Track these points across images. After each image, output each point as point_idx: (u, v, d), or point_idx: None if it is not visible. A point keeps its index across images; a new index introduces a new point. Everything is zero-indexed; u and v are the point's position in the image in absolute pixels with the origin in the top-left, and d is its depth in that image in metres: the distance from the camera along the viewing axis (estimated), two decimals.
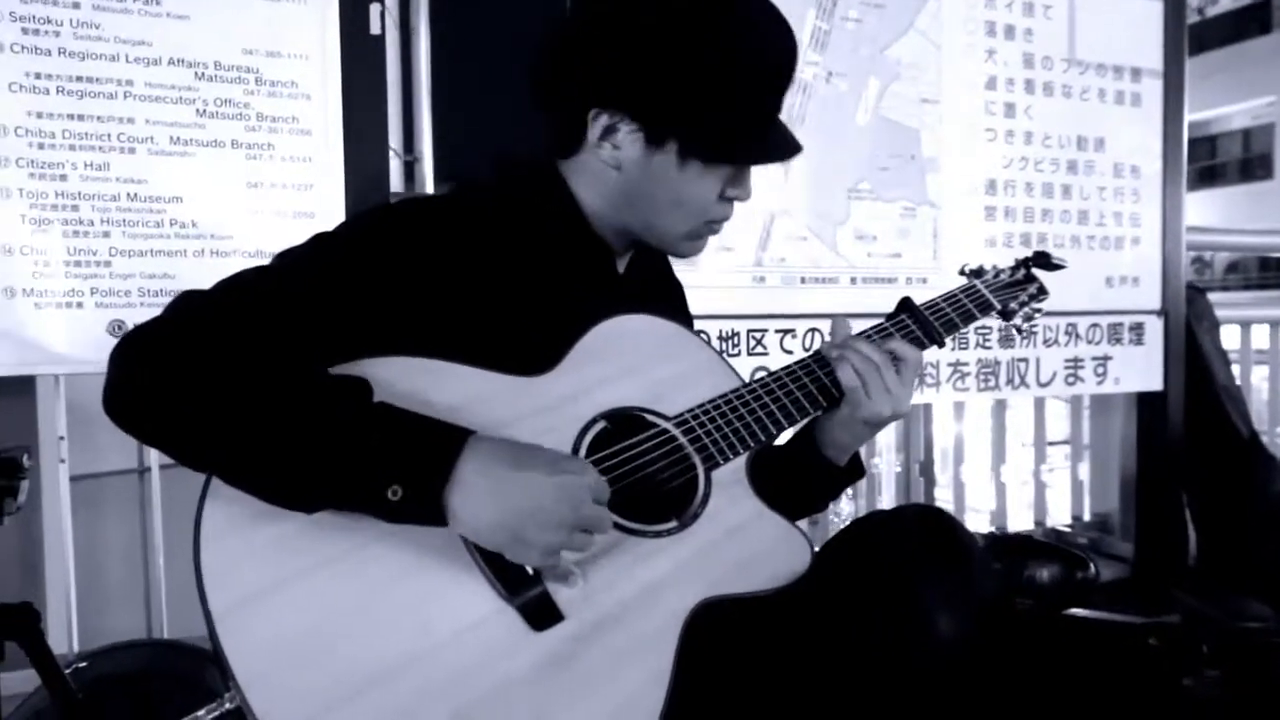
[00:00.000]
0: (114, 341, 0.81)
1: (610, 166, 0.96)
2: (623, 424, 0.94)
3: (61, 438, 1.74)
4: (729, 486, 0.96)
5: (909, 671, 0.87)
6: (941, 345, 1.12)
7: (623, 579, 0.85)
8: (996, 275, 1.23)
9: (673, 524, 0.91)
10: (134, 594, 1.86)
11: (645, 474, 0.92)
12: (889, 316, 1.12)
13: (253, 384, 0.78)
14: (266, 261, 0.89)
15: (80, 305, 1.61)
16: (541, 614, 0.80)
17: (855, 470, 1.11)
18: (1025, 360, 2.31)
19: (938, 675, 0.87)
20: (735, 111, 0.93)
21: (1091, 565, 1.80)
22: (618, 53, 0.91)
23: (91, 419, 1.83)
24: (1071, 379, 2.37)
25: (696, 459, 0.95)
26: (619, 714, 0.78)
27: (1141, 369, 2.45)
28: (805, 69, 2.05)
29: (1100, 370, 2.40)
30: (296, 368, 0.80)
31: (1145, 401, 2.52)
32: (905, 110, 2.15)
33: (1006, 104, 2.28)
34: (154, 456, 1.85)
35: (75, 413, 1.77)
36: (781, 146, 0.97)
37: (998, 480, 2.69)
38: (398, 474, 0.76)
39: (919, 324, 1.11)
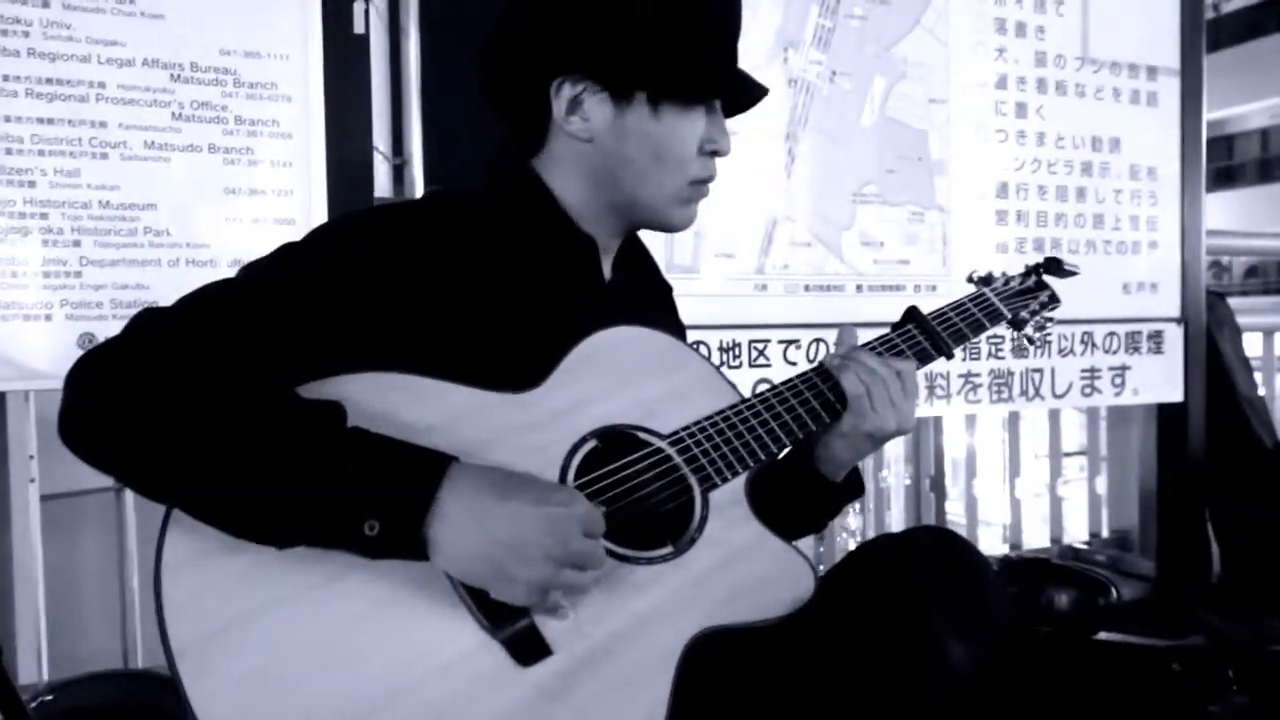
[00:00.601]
0: (95, 345, 0.78)
1: (582, 140, 0.95)
2: (614, 443, 0.91)
3: (31, 456, 1.69)
4: (727, 509, 0.92)
5: (920, 705, 0.84)
6: (950, 357, 1.10)
7: (614, 610, 0.81)
8: (1006, 283, 1.20)
9: (668, 550, 0.87)
10: (109, 618, 1.79)
11: (638, 496, 0.89)
12: (894, 327, 1.09)
13: (218, 408, 0.74)
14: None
15: (49, 318, 1.56)
16: (527, 648, 0.77)
17: (853, 487, 1.08)
18: (1040, 371, 2.26)
19: (951, 708, 0.84)
20: (697, 50, 0.93)
21: (1113, 590, 1.74)
22: (566, 16, 0.92)
23: None
24: (1088, 390, 2.32)
25: (693, 480, 0.92)
26: None
27: (1161, 379, 2.39)
28: (808, 68, 2.00)
29: (1118, 380, 2.35)
30: (264, 389, 0.77)
31: (1165, 413, 2.47)
32: (912, 111, 2.10)
33: (1018, 104, 2.23)
34: None
35: (47, 429, 1.70)
36: (751, 86, 0.97)
37: (1012, 494, 2.65)
38: (374, 509, 0.73)
39: (926, 335, 1.08)
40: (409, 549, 0.74)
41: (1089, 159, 2.31)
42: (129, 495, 1.78)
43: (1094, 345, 2.30)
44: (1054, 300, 1.22)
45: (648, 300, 1.09)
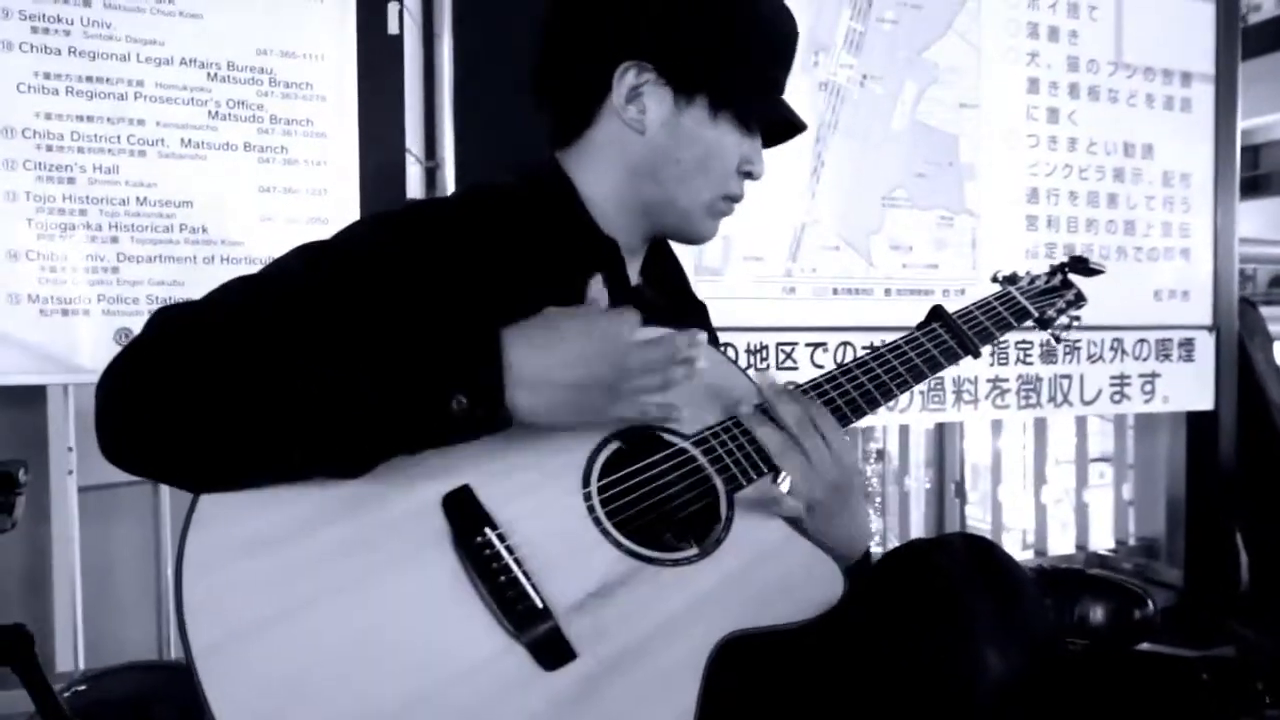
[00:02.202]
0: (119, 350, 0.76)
1: (635, 131, 0.95)
2: (637, 443, 0.89)
3: (70, 449, 1.71)
4: (753, 510, 0.90)
5: (956, 713, 0.81)
6: (977, 355, 1.08)
7: (640, 612, 0.79)
8: (1032, 281, 1.19)
9: (693, 551, 0.85)
10: (145, 609, 1.80)
11: (662, 498, 0.87)
12: (919, 325, 1.07)
13: (266, 354, 0.73)
14: None
15: (88, 313, 1.57)
16: (551, 652, 0.75)
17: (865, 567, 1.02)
18: (1068, 377, 2.23)
19: (988, 716, 0.80)
20: (761, 69, 0.96)
21: (1150, 602, 1.69)
22: (645, 4, 0.92)
23: None
24: (1117, 397, 2.29)
25: (717, 480, 0.90)
26: None
27: (1191, 387, 2.36)
28: (839, 72, 2.00)
29: (1148, 388, 2.32)
30: (297, 340, 0.76)
31: (1195, 421, 2.45)
32: (943, 115, 2.09)
33: (1049, 109, 2.21)
34: None
35: (85, 422, 1.71)
36: (794, 122, 0.99)
37: (1036, 500, 2.62)
38: (457, 379, 0.74)
39: (952, 333, 1.06)
40: (496, 416, 0.76)
41: (1121, 165, 2.29)
42: (164, 487, 1.79)
43: (1124, 352, 2.28)
44: (1080, 299, 1.20)
45: (679, 312, 1.07)
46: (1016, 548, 2.73)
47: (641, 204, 0.98)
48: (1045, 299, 1.18)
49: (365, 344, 0.76)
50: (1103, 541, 2.69)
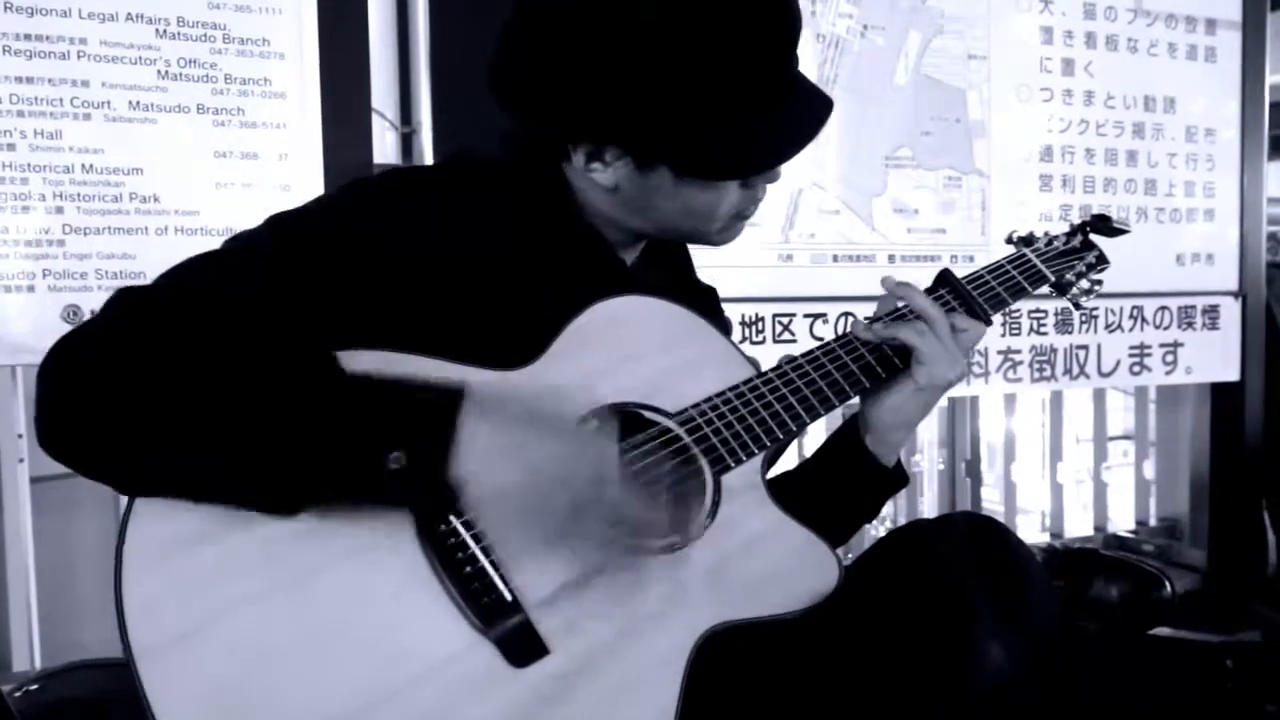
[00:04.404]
0: (69, 329, 0.74)
1: (605, 187, 0.89)
2: (617, 424, 0.86)
3: (20, 435, 1.68)
4: (742, 493, 0.87)
5: (956, 707, 0.79)
6: (988, 324, 1.04)
7: (618, 604, 0.77)
8: (1049, 243, 1.14)
9: (676, 538, 0.83)
10: (106, 604, 1.75)
11: (643, 481, 0.84)
12: (926, 291, 1.02)
13: (215, 364, 0.71)
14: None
15: (32, 289, 1.50)
16: (522, 648, 0.73)
17: (901, 477, 1.04)
18: (1085, 348, 2.18)
19: (989, 709, 0.79)
20: (731, 121, 0.84)
21: (1167, 584, 1.68)
22: (588, 82, 0.83)
23: None
24: (1137, 368, 2.24)
25: (704, 461, 0.87)
26: None
27: (1216, 357, 2.31)
28: (838, 22, 1.94)
29: (1169, 358, 2.26)
30: (257, 346, 0.74)
31: (1219, 393, 2.38)
32: (950, 68, 2.02)
33: (1064, 60, 2.14)
34: None
35: None
36: (802, 127, 0.88)
37: (1053, 480, 2.60)
38: (397, 438, 0.69)
39: (960, 300, 1.03)
40: (439, 480, 0.71)
41: (1141, 120, 2.22)
42: None
43: (1144, 320, 2.23)
44: (1102, 261, 1.15)
45: (677, 295, 1.01)
46: (1033, 530, 2.70)
47: (635, 227, 0.95)
48: (1063, 261, 1.13)
49: (319, 362, 0.73)
50: (1123, 523, 2.67)
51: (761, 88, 0.84)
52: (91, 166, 1.52)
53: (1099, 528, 2.60)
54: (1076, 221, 1.18)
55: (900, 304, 0.99)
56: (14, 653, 1.67)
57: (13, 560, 1.68)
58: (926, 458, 2.51)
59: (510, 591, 0.73)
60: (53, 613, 1.70)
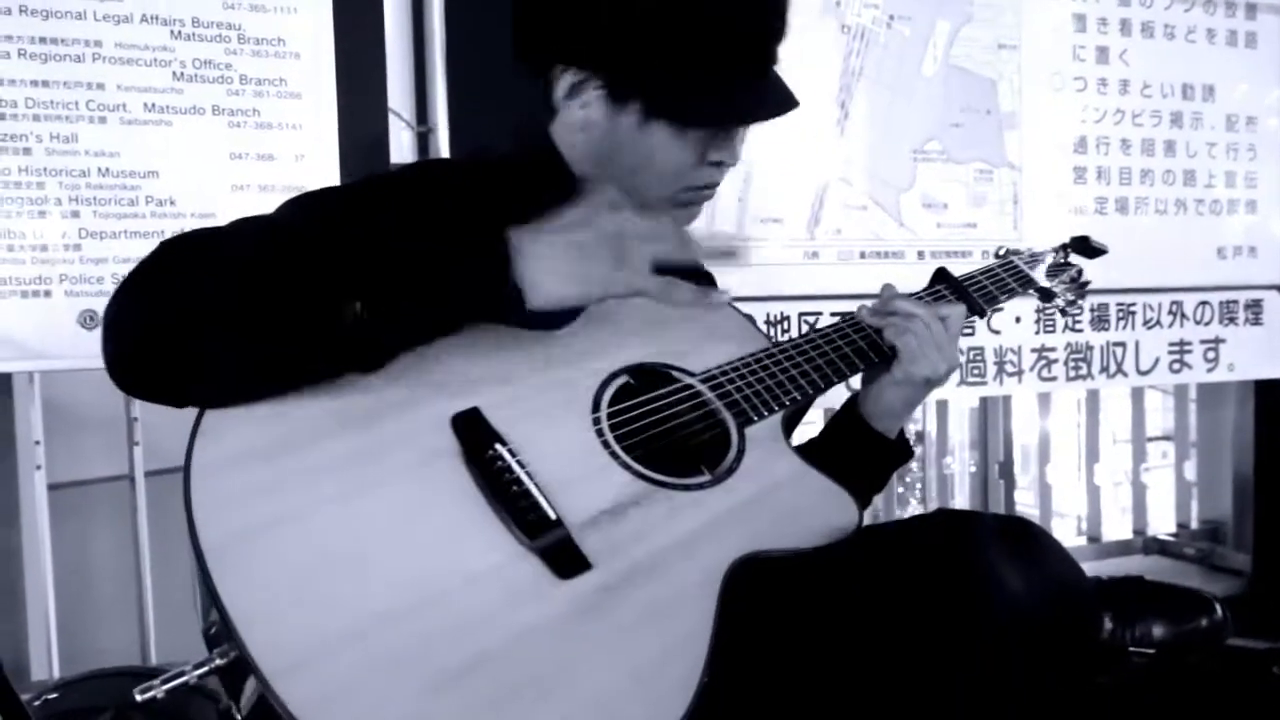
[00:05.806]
0: (87, 336, 0.77)
1: (577, 129, 0.97)
2: (646, 380, 0.94)
3: (38, 442, 1.67)
4: (764, 443, 0.95)
5: (975, 640, 0.79)
6: (983, 315, 1.17)
7: (654, 531, 0.83)
8: (1033, 257, 1.26)
9: (705, 478, 0.89)
10: (125, 612, 1.81)
11: (670, 426, 0.91)
12: (925, 288, 1.14)
13: (283, 236, 0.79)
14: None
15: (48, 294, 1.50)
16: (566, 561, 0.77)
17: (905, 446, 1.11)
18: (1122, 345, 2.14)
19: (1009, 642, 0.79)
20: (706, 67, 0.92)
21: (1218, 608, 1.66)
22: (573, 7, 0.93)
23: (73, 421, 1.75)
24: (1177, 366, 2.19)
25: (727, 414, 0.95)
26: (652, 670, 0.75)
27: (1259, 353, 2.26)
28: (863, 12, 1.92)
29: (1211, 355, 2.22)
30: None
31: (1264, 390, 2.35)
32: (980, 58, 2.00)
33: (1098, 48, 2.11)
34: (139, 463, 1.77)
35: (56, 414, 1.69)
36: (766, 104, 0.96)
37: (1090, 482, 2.57)
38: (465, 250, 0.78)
39: (957, 295, 1.13)
40: (503, 277, 0.78)
41: (1179, 109, 2.19)
42: (141, 483, 1.76)
43: (1184, 316, 2.18)
44: (1082, 280, 1.26)
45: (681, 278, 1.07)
46: (1070, 534, 2.67)
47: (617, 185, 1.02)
48: (1047, 272, 1.25)
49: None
50: (1163, 526, 2.63)
51: (744, 49, 0.93)
52: (107, 170, 1.52)
53: (1138, 531, 2.58)
54: (1058, 243, 1.28)
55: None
56: (32, 661, 1.67)
57: (31, 568, 1.69)
58: (958, 460, 2.51)
59: (555, 511, 0.78)
60: (71, 621, 1.71)
